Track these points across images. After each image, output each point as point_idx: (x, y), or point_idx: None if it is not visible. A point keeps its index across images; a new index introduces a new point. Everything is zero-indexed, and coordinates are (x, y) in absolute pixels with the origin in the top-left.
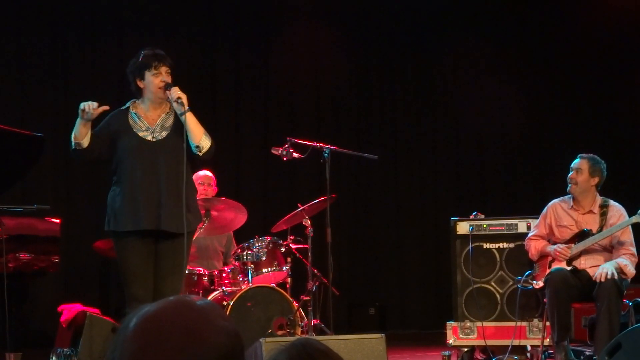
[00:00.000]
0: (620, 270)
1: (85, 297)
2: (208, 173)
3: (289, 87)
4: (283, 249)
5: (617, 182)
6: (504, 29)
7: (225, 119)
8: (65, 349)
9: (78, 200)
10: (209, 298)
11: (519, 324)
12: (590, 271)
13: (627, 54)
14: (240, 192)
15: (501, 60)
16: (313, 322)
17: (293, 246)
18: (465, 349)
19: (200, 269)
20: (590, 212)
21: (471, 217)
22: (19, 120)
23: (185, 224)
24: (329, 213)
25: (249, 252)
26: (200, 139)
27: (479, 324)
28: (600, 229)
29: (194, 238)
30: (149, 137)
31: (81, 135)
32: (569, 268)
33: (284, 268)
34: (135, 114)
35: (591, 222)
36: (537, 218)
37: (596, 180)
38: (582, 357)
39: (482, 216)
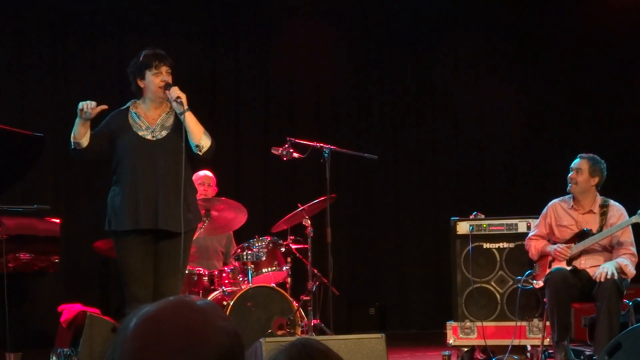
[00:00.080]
0: (620, 270)
1: (85, 297)
2: (208, 173)
3: (289, 87)
4: (283, 249)
5: (617, 182)
6: (503, 29)
7: (225, 119)
8: (65, 349)
9: (78, 200)
10: (209, 298)
11: (519, 323)
12: (590, 271)
13: (627, 54)
14: (240, 192)
15: (501, 60)
16: (313, 322)
17: (293, 246)
18: (465, 349)
19: (200, 269)
20: (591, 212)
21: (471, 217)
22: (19, 120)
23: (184, 223)
24: (329, 213)
25: (249, 252)
26: (200, 138)
27: (479, 323)
28: (600, 229)
29: (194, 238)
30: (149, 137)
31: (80, 135)
32: (569, 268)
33: (284, 268)
34: (135, 113)
35: (591, 222)
36: (537, 218)
37: (596, 180)
38: (582, 357)
39: (482, 216)
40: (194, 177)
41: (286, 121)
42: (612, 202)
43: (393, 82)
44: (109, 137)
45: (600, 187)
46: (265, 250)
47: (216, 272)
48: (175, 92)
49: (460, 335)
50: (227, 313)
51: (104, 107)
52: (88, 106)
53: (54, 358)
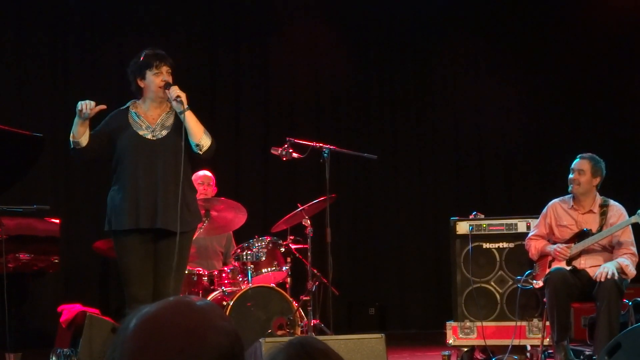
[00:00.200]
0: (621, 270)
1: (85, 297)
2: (208, 173)
3: (288, 87)
4: (283, 249)
5: (617, 182)
6: (503, 28)
7: (224, 119)
8: (65, 349)
9: (78, 200)
10: (208, 298)
11: (518, 323)
12: (590, 271)
13: (627, 54)
14: (240, 192)
15: (501, 60)
16: (313, 322)
17: (293, 246)
18: (465, 349)
19: (200, 269)
20: (591, 212)
21: (471, 216)
22: (18, 120)
23: (180, 222)
24: (329, 213)
25: (249, 252)
26: (200, 137)
27: (478, 323)
28: (600, 229)
29: (194, 238)
30: (149, 136)
31: (79, 134)
32: (568, 268)
33: (284, 268)
34: (135, 113)
35: (591, 222)
36: (537, 218)
37: (597, 180)
38: (581, 357)
39: (482, 216)
40: (194, 176)
41: (286, 121)
42: (612, 202)
43: (393, 82)
44: (108, 137)
45: (599, 186)
46: (265, 250)
47: (216, 272)
48: (175, 91)
49: (460, 335)
50: (227, 313)
51: (103, 106)
52: (87, 106)
53: (53, 358)
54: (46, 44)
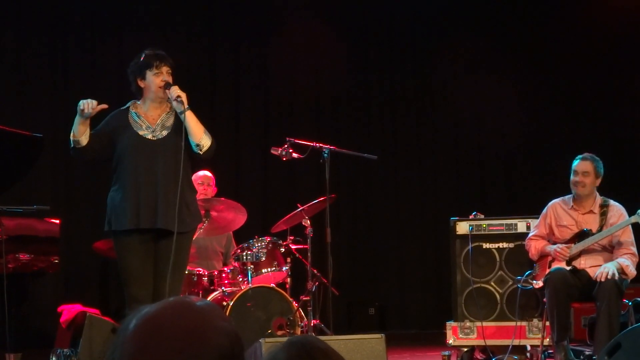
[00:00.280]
0: (621, 271)
1: (85, 298)
2: (207, 173)
3: (288, 87)
4: (283, 249)
5: (617, 182)
6: (503, 28)
7: (224, 119)
8: (65, 350)
9: (78, 200)
10: (208, 298)
11: (518, 323)
12: (590, 271)
13: (627, 54)
14: (240, 192)
15: (501, 60)
16: (313, 322)
17: (293, 246)
18: (465, 349)
19: (200, 269)
20: (591, 212)
21: (471, 217)
22: (18, 121)
23: (180, 222)
24: (329, 213)
25: (249, 252)
26: (200, 137)
27: (478, 323)
28: (600, 229)
29: (194, 238)
30: (149, 136)
31: (80, 133)
32: (568, 268)
33: (284, 268)
34: (135, 113)
35: (591, 222)
36: (536, 218)
37: (599, 180)
38: (581, 357)
39: (482, 216)
40: (194, 177)
41: (286, 121)
42: (612, 202)
43: (393, 82)
44: (108, 137)
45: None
46: (265, 250)
47: (216, 273)
48: (175, 91)
49: (460, 336)
50: (227, 313)
51: (104, 106)
52: (89, 105)
53: (53, 358)
54: (46, 44)
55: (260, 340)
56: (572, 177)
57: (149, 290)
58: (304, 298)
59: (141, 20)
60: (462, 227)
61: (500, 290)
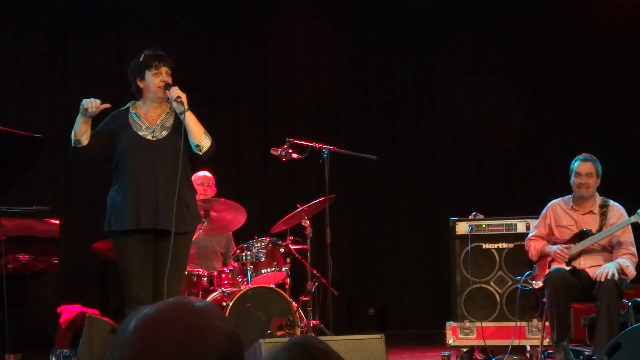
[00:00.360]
0: (621, 271)
1: (85, 298)
2: (207, 173)
3: (288, 87)
4: (282, 250)
5: (617, 182)
6: (503, 28)
7: (224, 120)
8: (64, 350)
9: (77, 201)
10: (208, 299)
11: (518, 324)
12: (590, 271)
13: (627, 54)
14: (240, 192)
15: (501, 60)
16: (312, 322)
17: (292, 247)
18: (465, 349)
19: (200, 269)
20: (590, 212)
21: (470, 217)
22: (18, 121)
23: (180, 223)
24: (328, 213)
25: (248, 252)
26: (200, 138)
27: (478, 324)
28: (600, 229)
29: (194, 239)
30: (149, 137)
31: (81, 132)
32: (568, 268)
33: (283, 269)
34: (135, 113)
35: (591, 222)
36: (536, 218)
37: (599, 180)
38: (581, 357)
39: (482, 216)
40: (193, 177)
41: (285, 121)
42: (611, 202)
43: (392, 82)
44: (109, 137)
45: None
46: (265, 250)
47: (215, 273)
48: (175, 91)
49: (460, 336)
50: (227, 314)
51: (107, 105)
52: (93, 105)
53: (53, 359)
54: (46, 44)
55: (259, 340)
56: (574, 179)
57: (148, 291)
58: (304, 298)
59: (141, 20)
60: (462, 228)
61: (500, 291)
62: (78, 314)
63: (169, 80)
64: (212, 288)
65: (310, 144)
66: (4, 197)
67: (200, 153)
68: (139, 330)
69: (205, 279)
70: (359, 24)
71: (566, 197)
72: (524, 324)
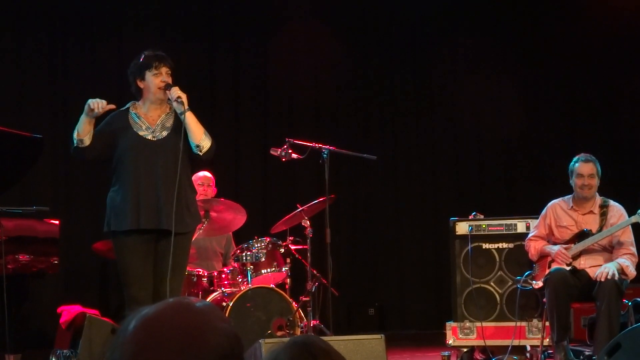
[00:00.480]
0: (621, 271)
1: (85, 299)
2: (207, 174)
3: (288, 87)
4: (282, 250)
5: (617, 182)
6: (503, 28)
7: (224, 120)
8: (64, 351)
9: (77, 201)
10: (208, 299)
11: (518, 324)
12: (590, 271)
13: (626, 54)
14: (240, 193)
15: (501, 60)
16: (312, 322)
17: (292, 247)
18: (465, 349)
19: (200, 270)
20: (591, 212)
21: (470, 217)
22: (17, 122)
23: (180, 223)
24: (328, 214)
25: (248, 253)
26: (200, 138)
27: (478, 324)
28: (600, 229)
29: (193, 239)
30: (149, 137)
31: (84, 132)
32: (568, 268)
33: (283, 269)
34: (135, 114)
35: (591, 223)
36: (536, 218)
37: (599, 180)
38: (581, 357)
39: (482, 216)
40: (194, 177)
41: (285, 122)
42: (611, 202)
43: (392, 82)
44: (109, 137)
45: None
46: (265, 251)
47: (215, 273)
48: (176, 92)
49: (460, 336)
50: (227, 314)
51: (112, 106)
52: (99, 105)
53: (53, 359)
54: (45, 44)
55: (260, 340)
56: (576, 180)
57: (149, 291)
58: (304, 299)
59: (141, 20)
60: (462, 228)
61: (500, 291)
62: (78, 315)
63: (169, 80)
64: (212, 288)
65: (310, 144)
66: (4, 197)
67: (200, 153)
68: (139, 331)
69: (205, 279)
70: (359, 24)
71: (566, 197)
72: (524, 324)
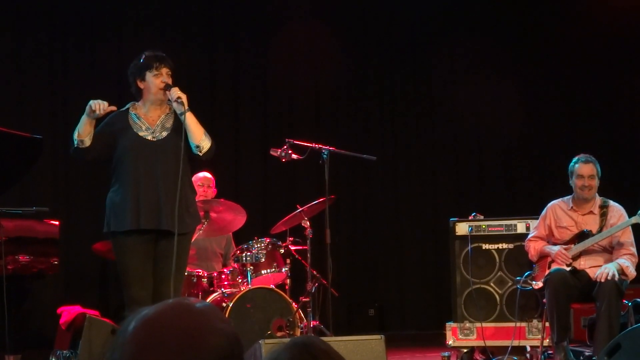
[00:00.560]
0: (621, 271)
1: (85, 299)
2: (207, 174)
3: (287, 88)
4: (282, 250)
5: (617, 182)
6: (503, 28)
7: (224, 120)
8: (64, 351)
9: (77, 202)
10: (208, 300)
11: (518, 324)
12: (590, 271)
13: (627, 54)
14: (240, 193)
15: (500, 60)
16: (312, 323)
17: (292, 247)
18: (465, 350)
19: (200, 270)
20: (591, 212)
21: (470, 217)
22: (17, 122)
23: (180, 224)
24: (328, 214)
25: (248, 253)
26: (200, 139)
27: (478, 324)
28: (600, 230)
29: (193, 240)
30: (149, 137)
31: (85, 133)
32: (568, 268)
33: (283, 269)
34: (135, 114)
35: (591, 223)
36: (536, 219)
37: (599, 181)
38: (581, 358)
39: (481, 217)
40: (193, 178)
41: (285, 122)
42: (611, 202)
43: (392, 82)
44: (109, 138)
45: None
46: (265, 251)
47: (215, 274)
48: (176, 92)
49: (460, 336)
50: (226, 315)
51: (114, 108)
52: (100, 107)
53: None
54: (45, 44)
55: (259, 341)
56: (576, 181)
57: (148, 292)
58: (304, 299)
59: (140, 21)
60: (462, 228)
61: (500, 291)
62: (78, 315)
63: (169, 81)
64: (212, 289)
65: (309, 144)
66: (4, 198)
67: (200, 154)
68: (139, 332)
69: (205, 279)
70: (359, 24)
71: (566, 198)
72: (524, 324)
